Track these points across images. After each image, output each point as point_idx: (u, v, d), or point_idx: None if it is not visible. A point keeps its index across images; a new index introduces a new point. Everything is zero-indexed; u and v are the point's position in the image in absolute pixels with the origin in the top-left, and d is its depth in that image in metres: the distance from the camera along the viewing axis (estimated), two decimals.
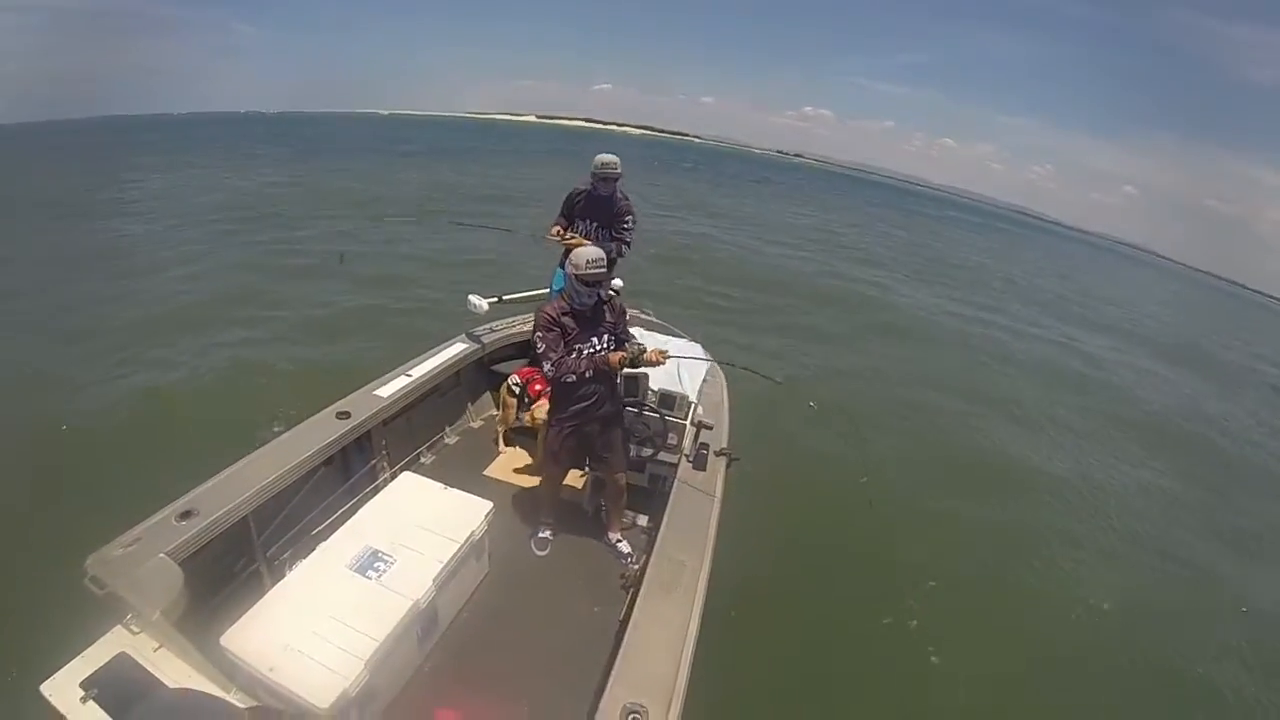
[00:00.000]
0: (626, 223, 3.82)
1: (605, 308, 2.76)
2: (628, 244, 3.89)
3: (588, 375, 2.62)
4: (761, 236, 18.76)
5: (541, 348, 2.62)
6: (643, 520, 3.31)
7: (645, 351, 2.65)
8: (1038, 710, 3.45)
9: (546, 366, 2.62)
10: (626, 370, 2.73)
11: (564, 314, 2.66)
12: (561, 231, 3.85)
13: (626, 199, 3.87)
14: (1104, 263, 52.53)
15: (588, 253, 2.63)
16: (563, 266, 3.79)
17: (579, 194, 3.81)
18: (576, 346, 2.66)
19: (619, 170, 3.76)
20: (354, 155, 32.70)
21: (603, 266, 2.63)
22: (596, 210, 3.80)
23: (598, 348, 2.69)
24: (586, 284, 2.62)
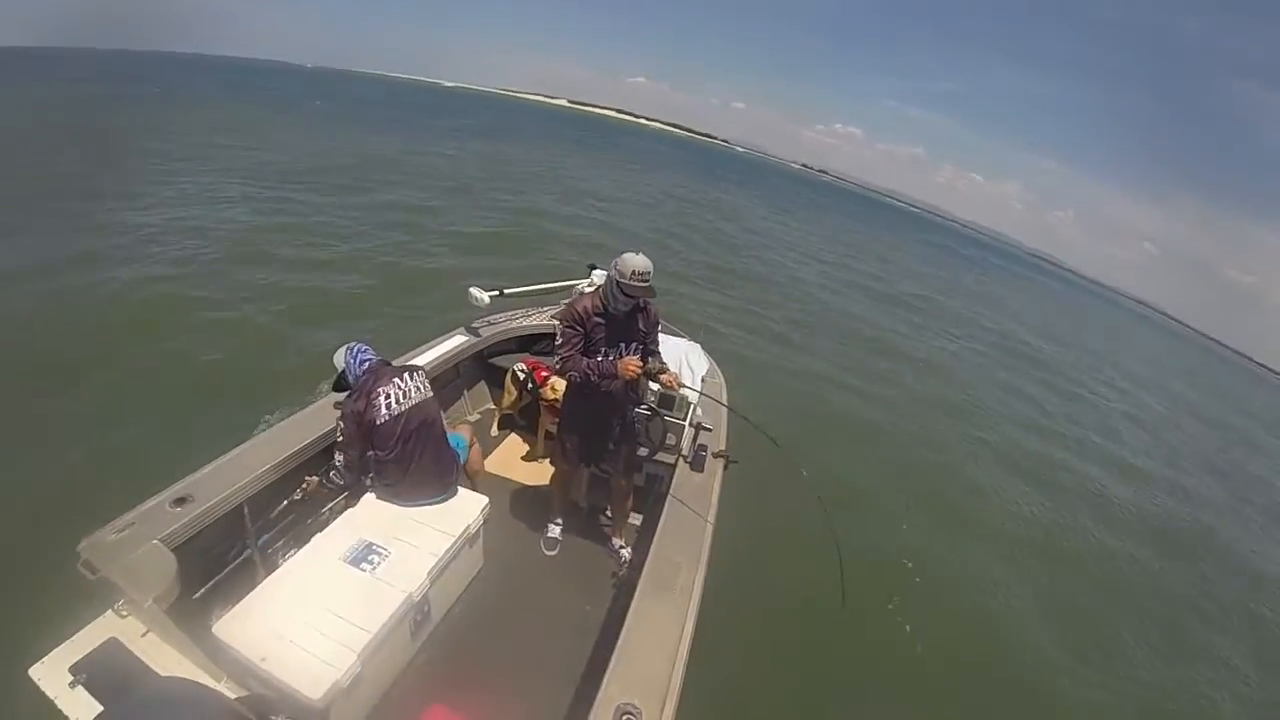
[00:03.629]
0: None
1: (640, 315, 2.63)
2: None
3: (594, 379, 2.52)
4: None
5: (559, 341, 2.54)
6: (638, 520, 3.30)
7: (662, 373, 2.53)
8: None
9: (555, 361, 2.57)
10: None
11: (596, 314, 2.53)
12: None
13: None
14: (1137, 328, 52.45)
15: (636, 262, 2.41)
16: None
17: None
18: (603, 350, 2.56)
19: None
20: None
21: (648, 280, 2.42)
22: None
23: (620, 356, 2.57)
24: (626, 294, 2.45)
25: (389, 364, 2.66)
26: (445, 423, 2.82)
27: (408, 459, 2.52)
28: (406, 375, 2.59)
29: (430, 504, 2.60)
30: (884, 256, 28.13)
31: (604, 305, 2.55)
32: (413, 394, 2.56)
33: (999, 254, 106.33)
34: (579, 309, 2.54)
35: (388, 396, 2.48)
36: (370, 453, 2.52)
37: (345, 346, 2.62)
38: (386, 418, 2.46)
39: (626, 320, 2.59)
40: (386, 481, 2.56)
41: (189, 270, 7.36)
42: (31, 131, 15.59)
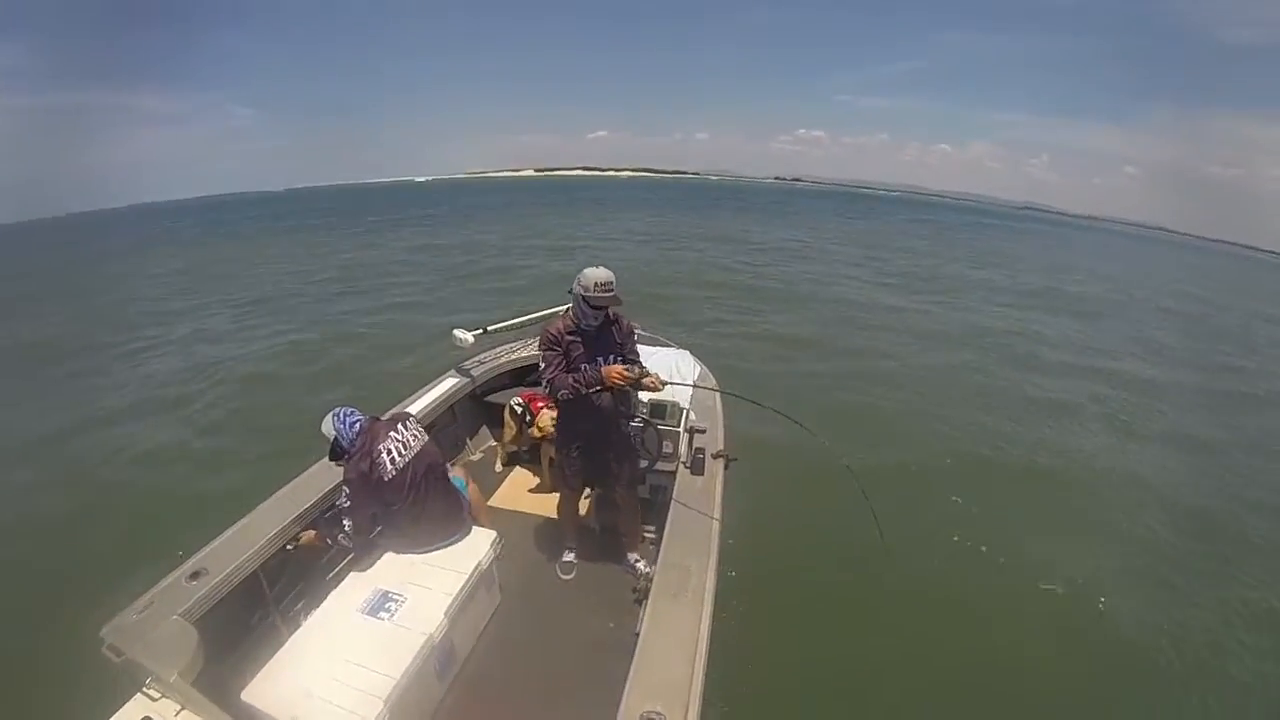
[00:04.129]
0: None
1: (613, 328, 2.71)
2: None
3: (583, 391, 2.58)
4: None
5: (542, 366, 2.63)
6: (649, 531, 3.34)
7: (645, 375, 2.56)
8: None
9: (543, 384, 2.63)
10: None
11: (569, 333, 2.62)
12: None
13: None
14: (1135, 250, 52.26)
15: (597, 274, 2.51)
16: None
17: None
18: (582, 366, 2.62)
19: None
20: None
21: (611, 290, 2.52)
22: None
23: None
24: (594, 306, 2.55)
25: (379, 419, 2.67)
26: (448, 465, 2.86)
27: (419, 507, 2.56)
28: (400, 426, 2.62)
29: (442, 547, 2.63)
30: (890, 245, 27.76)
31: (576, 323, 2.64)
32: (411, 442, 2.59)
33: (988, 214, 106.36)
34: (553, 331, 2.64)
35: (389, 451, 2.49)
36: (378, 510, 2.54)
37: (331, 414, 2.55)
38: (393, 472, 2.48)
39: (600, 334, 2.67)
40: (399, 532, 2.59)
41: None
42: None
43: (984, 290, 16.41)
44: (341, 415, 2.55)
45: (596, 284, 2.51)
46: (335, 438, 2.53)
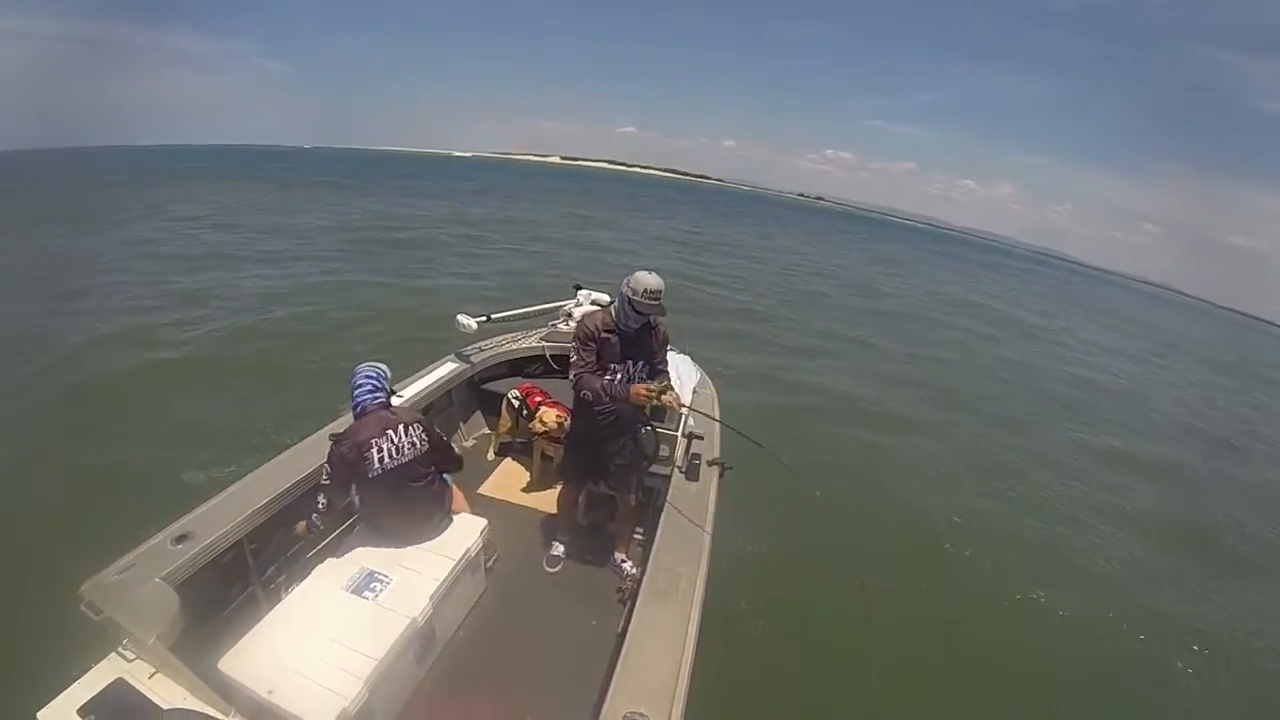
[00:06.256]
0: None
1: (650, 334, 2.69)
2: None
3: (605, 400, 2.58)
4: None
5: (574, 357, 2.61)
6: (639, 533, 3.33)
7: (666, 393, 2.54)
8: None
9: (571, 374, 2.62)
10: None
11: (607, 330, 2.60)
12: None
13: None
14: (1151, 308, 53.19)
15: (649, 281, 2.49)
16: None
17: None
18: (610, 366, 2.62)
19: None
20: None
21: (659, 300, 2.49)
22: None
23: (631, 373, 2.65)
24: (638, 310, 2.53)
25: (389, 407, 2.54)
26: None
27: (394, 510, 2.50)
28: (403, 429, 2.46)
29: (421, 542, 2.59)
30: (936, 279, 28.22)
31: (615, 322, 2.62)
32: (406, 450, 2.45)
33: (1005, 254, 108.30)
34: (591, 325, 2.61)
35: (380, 450, 2.39)
36: (355, 496, 2.50)
37: (361, 364, 2.54)
38: (379, 471, 2.40)
39: (636, 337, 2.65)
40: (375, 527, 2.55)
41: None
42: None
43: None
44: (358, 378, 2.49)
45: (646, 290, 2.48)
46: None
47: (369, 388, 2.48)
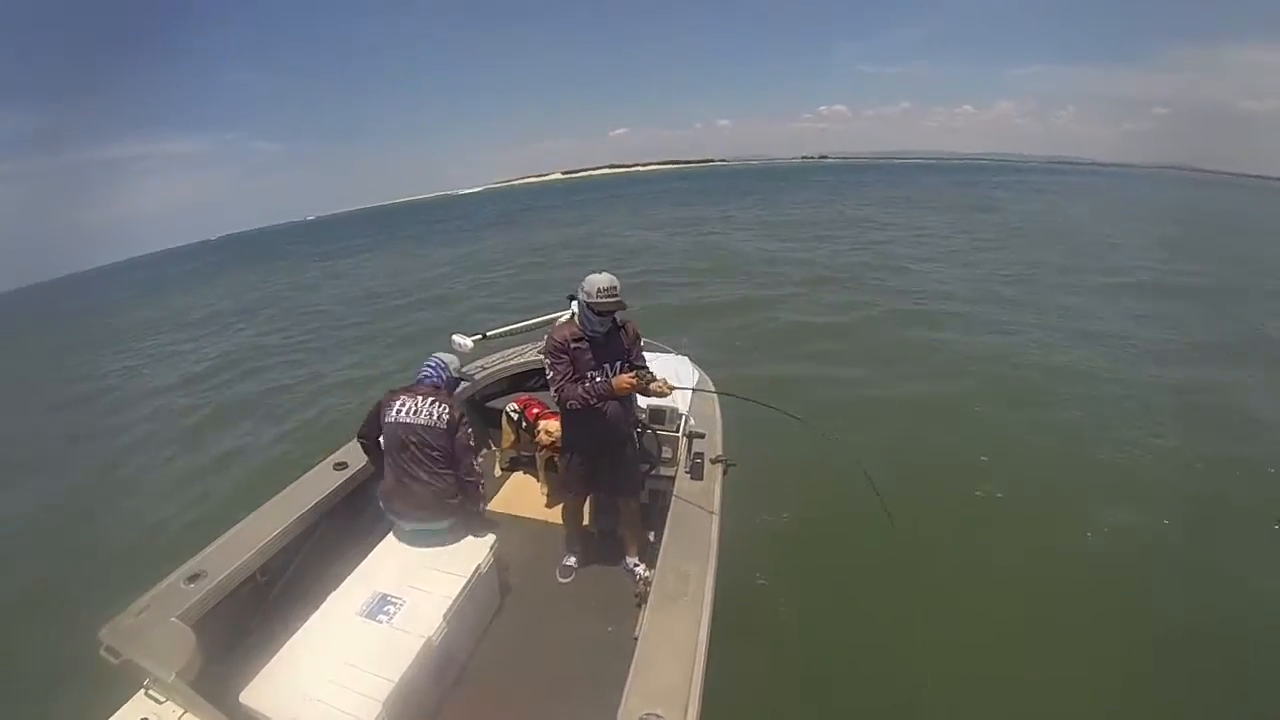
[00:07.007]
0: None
1: (620, 333, 2.71)
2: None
3: (593, 402, 2.57)
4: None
5: (550, 374, 2.61)
6: (649, 536, 3.34)
7: (653, 381, 2.56)
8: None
9: (552, 389, 2.62)
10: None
11: (576, 340, 2.60)
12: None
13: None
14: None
15: (600, 280, 2.51)
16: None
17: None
18: (589, 374, 2.61)
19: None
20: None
21: (615, 295, 2.52)
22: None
23: (609, 375, 2.63)
24: (598, 313, 2.54)
25: (438, 388, 2.80)
26: None
27: (400, 469, 2.64)
28: (430, 401, 2.68)
29: (431, 529, 2.67)
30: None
31: (581, 330, 2.63)
32: (421, 415, 2.64)
33: (1020, 171, 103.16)
34: (558, 338, 2.62)
35: (403, 403, 2.67)
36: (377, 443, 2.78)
37: (435, 353, 2.92)
38: (391, 420, 2.66)
39: (607, 341, 2.67)
40: (384, 487, 2.72)
41: None
42: None
43: None
44: (425, 361, 2.87)
45: (599, 290, 2.50)
46: None
47: (428, 370, 2.83)
